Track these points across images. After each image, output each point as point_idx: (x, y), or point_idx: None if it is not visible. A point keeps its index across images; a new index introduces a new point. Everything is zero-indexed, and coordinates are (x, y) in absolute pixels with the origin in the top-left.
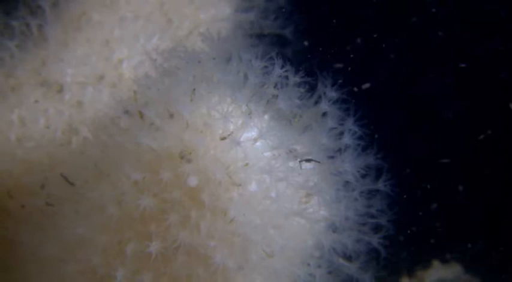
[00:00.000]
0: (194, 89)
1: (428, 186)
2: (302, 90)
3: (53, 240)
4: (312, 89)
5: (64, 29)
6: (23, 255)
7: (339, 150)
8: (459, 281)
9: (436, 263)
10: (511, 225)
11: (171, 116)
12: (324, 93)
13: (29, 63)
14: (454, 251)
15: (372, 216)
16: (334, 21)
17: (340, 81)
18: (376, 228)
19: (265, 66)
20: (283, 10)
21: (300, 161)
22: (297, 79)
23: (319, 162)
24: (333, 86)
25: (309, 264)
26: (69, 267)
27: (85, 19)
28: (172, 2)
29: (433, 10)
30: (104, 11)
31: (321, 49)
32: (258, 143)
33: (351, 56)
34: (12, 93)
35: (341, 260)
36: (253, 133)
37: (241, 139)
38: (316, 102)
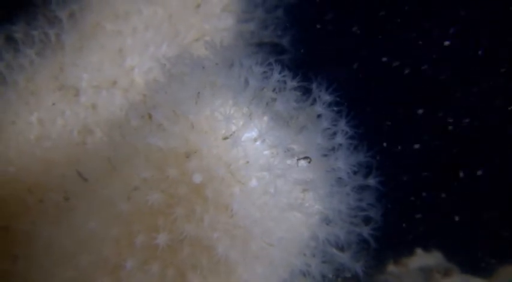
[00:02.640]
0: (199, 93)
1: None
2: (298, 93)
3: (68, 233)
4: (307, 92)
5: (80, 38)
6: (41, 246)
7: (333, 149)
8: (440, 267)
9: (419, 251)
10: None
11: (178, 117)
12: (319, 97)
13: (48, 69)
14: (436, 240)
15: (363, 210)
16: (327, 31)
17: (333, 85)
18: (367, 221)
19: (265, 72)
20: (281, 21)
21: (297, 159)
22: (294, 84)
23: (314, 160)
24: (327, 90)
25: (305, 254)
26: (83, 258)
27: (100, 29)
28: (179, 13)
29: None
30: (117, 22)
31: (316, 56)
32: (257, 143)
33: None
34: (32, 96)
35: (334, 250)
36: (253, 133)
37: (243, 139)
38: (312, 105)
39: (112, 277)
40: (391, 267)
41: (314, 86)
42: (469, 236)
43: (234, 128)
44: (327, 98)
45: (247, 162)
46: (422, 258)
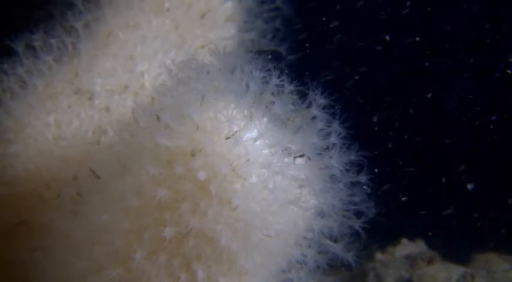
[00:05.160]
0: (203, 96)
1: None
2: (295, 97)
3: (82, 226)
4: (303, 96)
5: (94, 46)
6: (57, 238)
7: (327, 148)
8: (423, 255)
9: (404, 241)
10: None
11: (184, 118)
12: (314, 100)
13: (64, 74)
14: (419, 231)
15: (354, 204)
16: (322, 39)
17: (328, 89)
18: (358, 214)
19: (264, 77)
20: (279, 31)
21: (293, 157)
22: (291, 88)
23: (310, 158)
24: (321, 94)
25: (301, 245)
26: (96, 249)
27: (112, 37)
28: (186, 24)
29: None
30: (128, 31)
31: (311, 62)
32: (257, 142)
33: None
34: (50, 100)
35: (328, 242)
36: (253, 133)
37: (244, 138)
38: (308, 107)
39: (123, 267)
40: (379, 255)
41: (310, 90)
42: (450, 226)
43: (235, 128)
44: (322, 101)
45: (248, 160)
46: (407, 247)
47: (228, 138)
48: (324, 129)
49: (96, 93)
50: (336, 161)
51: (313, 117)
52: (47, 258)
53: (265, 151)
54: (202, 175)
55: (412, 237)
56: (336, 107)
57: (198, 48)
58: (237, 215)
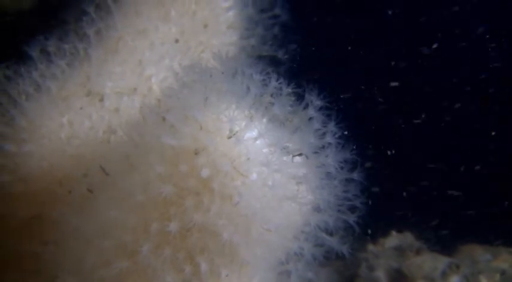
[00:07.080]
0: (207, 98)
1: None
2: (293, 99)
3: (92, 221)
4: (300, 98)
5: (105, 51)
6: (68, 232)
7: (323, 147)
8: (411, 246)
9: (393, 233)
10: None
11: (188, 119)
12: (311, 102)
13: (76, 78)
14: (408, 224)
15: (349, 200)
16: (318, 44)
17: (324, 92)
18: (352, 209)
19: (264, 80)
20: (277, 37)
21: (292, 156)
22: (289, 90)
23: (307, 156)
24: (318, 96)
25: (299, 239)
26: (105, 243)
27: (122, 43)
28: (190, 31)
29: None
30: (137, 37)
31: (308, 66)
32: (258, 141)
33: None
34: (63, 102)
35: (324, 235)
36: (254, 133)
37: (244, 138)
38: (305, 109)
39: (130, 260)
40: (370, 246)
41: (306, 92)
42: (436, 219)
43: (237, 128)
44: (318, 103)
45: (249, 158)
46: (396, 239)
47: (229, 137)
48: (320, 129)
49: (106, 96)
50: (332, 159)
51: (310, 118)
52: (59, 252)
53: (265, 150)
54: (205, 173)
55: (401, 230)
56: (332, 109)
57: (202, 54)
58: (238, 211)
